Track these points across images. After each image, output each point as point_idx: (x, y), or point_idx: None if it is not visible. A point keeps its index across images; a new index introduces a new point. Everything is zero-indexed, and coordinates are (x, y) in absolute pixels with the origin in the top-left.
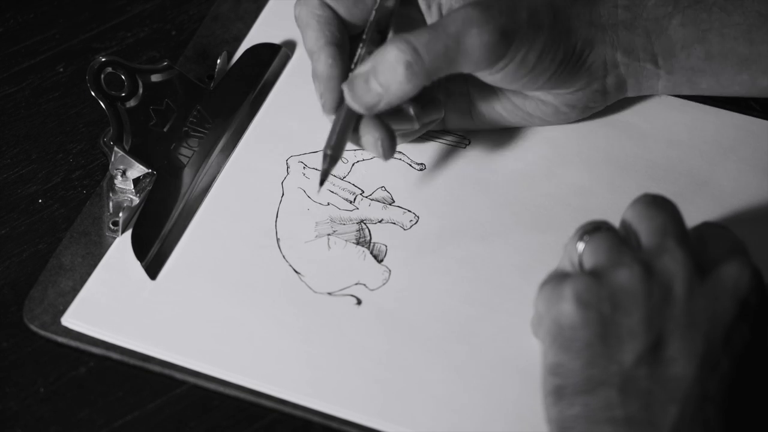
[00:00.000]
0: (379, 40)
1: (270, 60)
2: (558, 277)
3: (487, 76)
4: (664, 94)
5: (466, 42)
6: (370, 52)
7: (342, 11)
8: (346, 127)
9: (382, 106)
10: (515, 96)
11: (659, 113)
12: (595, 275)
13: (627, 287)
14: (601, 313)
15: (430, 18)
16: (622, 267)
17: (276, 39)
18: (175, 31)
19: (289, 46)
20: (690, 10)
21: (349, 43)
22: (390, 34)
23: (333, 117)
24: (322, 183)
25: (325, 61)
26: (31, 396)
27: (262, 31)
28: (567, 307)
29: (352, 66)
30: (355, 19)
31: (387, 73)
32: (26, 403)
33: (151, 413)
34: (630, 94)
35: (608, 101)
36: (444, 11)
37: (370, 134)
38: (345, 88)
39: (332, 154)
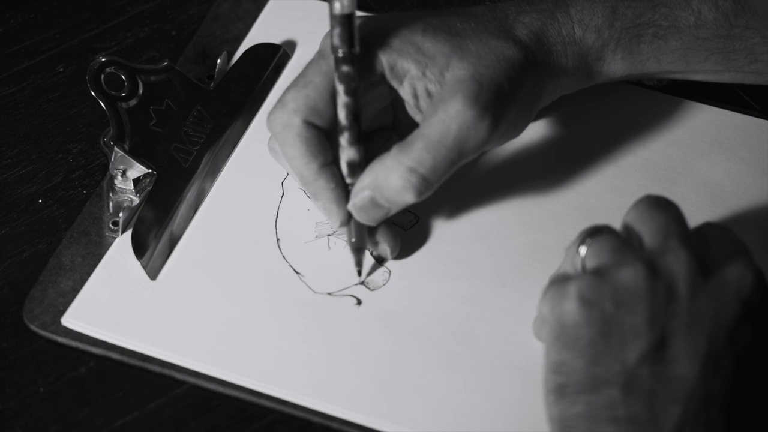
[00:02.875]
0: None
1: (270, 60)
2: (561, 279)
3: None
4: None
5: (467, 147)
6: (353, 143)
7: (326, 125)
8: (362, 226)
9: (391, 214)
10: None
11: (659, 113)
12: (598, 274)
13: (631, 285)
14: (604, 312)
15: (402, 91)
16: (625, 266)
17: (276, 39)
18: (175, 31)
19: (289, 46)
20: (628, 42)
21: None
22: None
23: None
24: (360, 273)
25: (327, 187)
26: (31, 396)
27: (262, 31)
28: (570, 306)
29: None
30: (333, 121)
31: (395, 196)
32: (26, 403)
33: (151, 413)
34: None
35: None
36: (418, 91)
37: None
38: (352, 210)
39: (356, 246)
